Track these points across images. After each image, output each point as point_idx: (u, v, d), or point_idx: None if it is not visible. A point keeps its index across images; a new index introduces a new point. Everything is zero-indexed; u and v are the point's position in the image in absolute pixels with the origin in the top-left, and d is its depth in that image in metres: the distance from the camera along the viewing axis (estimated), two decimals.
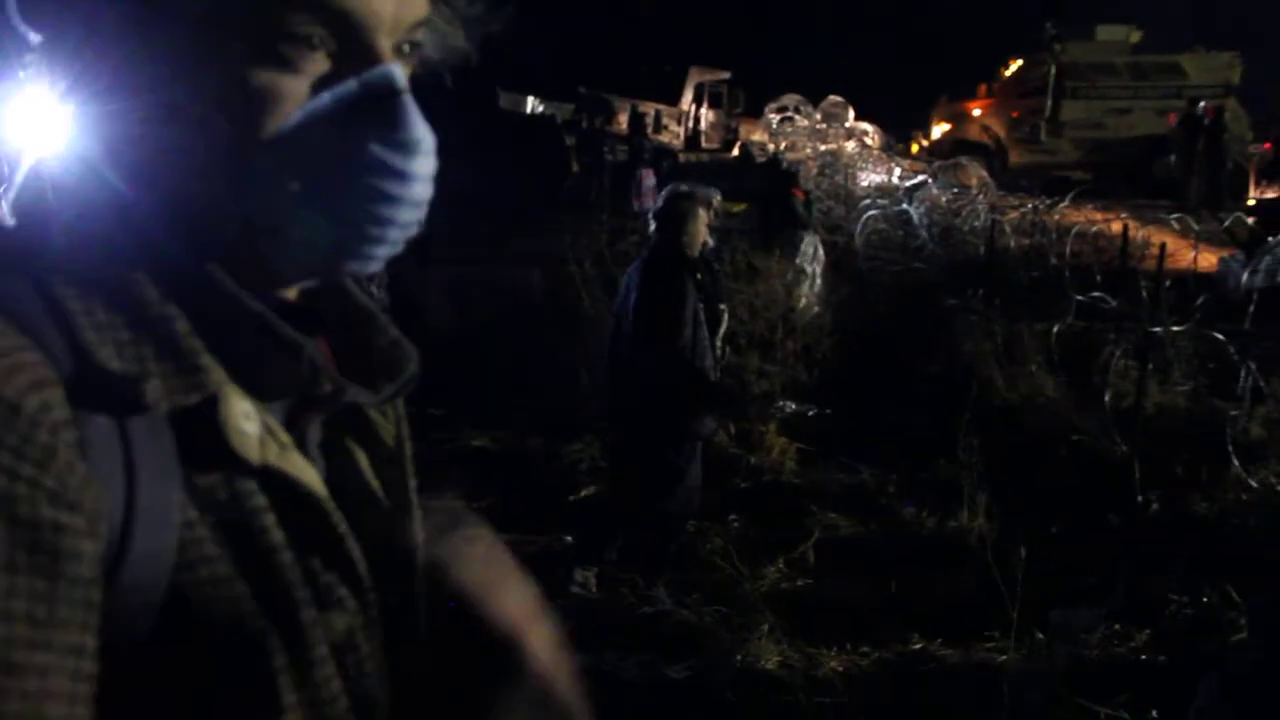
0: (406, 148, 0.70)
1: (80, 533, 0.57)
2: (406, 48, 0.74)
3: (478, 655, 0.82)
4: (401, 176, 0.69)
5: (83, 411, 0.61)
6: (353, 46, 0.69)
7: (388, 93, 0.70)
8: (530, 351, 8.83)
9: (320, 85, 0.68)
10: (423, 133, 0.71)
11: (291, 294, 0.77)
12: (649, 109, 26.78)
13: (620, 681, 4.34)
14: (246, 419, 0.68)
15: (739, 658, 4.45)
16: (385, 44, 0.71)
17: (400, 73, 0.71)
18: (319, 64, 0.68)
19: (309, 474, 0.72)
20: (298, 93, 0.68)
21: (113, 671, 0.60)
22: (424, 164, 0.71)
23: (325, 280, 0.78)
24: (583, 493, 6.46)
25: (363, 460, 0.83)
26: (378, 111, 0.69)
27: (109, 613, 0.60)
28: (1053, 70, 22.64)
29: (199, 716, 0.64)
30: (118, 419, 0.62)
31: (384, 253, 0.73)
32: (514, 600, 0.85)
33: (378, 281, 6.33)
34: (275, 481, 0.69)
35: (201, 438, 0.66)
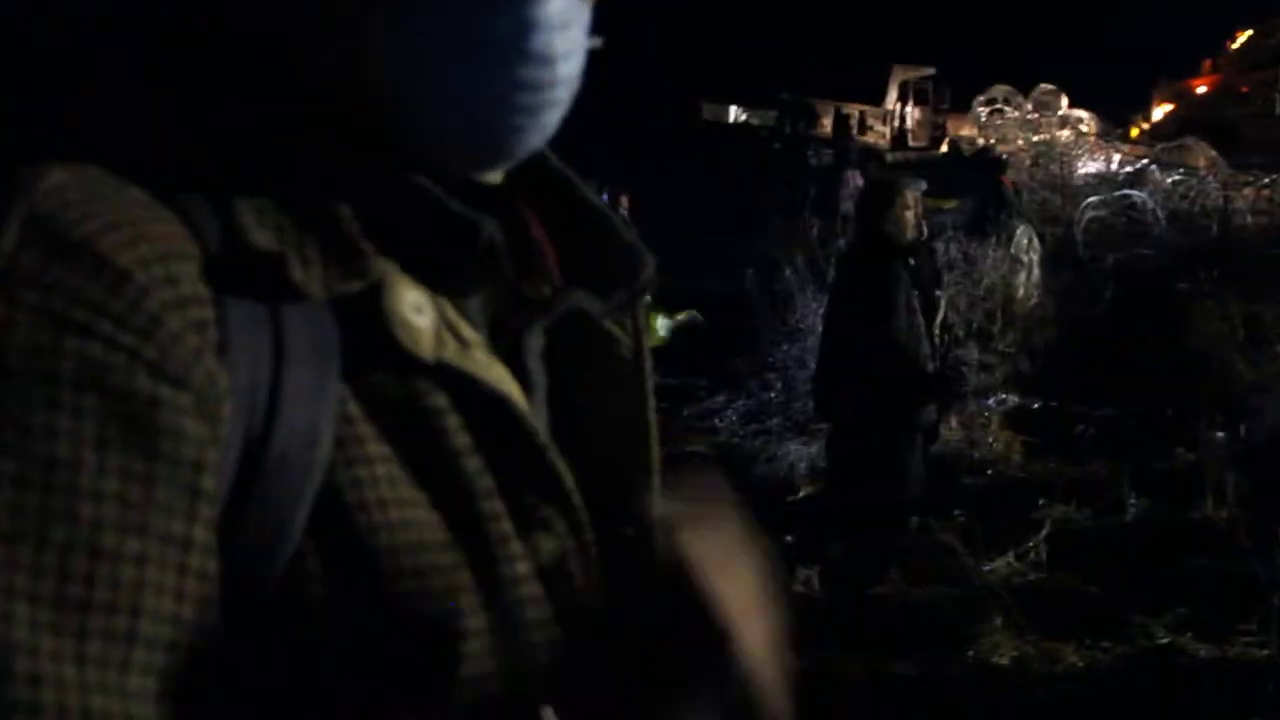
0: (535, 22, 0.62)
1: (184, 410, 0.52)
2: None
3: (679, 638, 0.67)
4: (529, 25, 0.62)
5: (228, 294, 0.56)
6: None
7: None
8: (746, 354, 8.83)
9: None
10: (556, 5, 0.63)
11: (495, 179, 0.70)
12: (853, 110, 26.46)
13: (846, 679, 4.26)
14: (417, 311, 0.62)
15: (971, 652, 4.31)
16: None
17: None
18: None
19: (494, 373, 0.65)
20: None
21: (262, 579, 0.56)
22: (553, 9, 0.63)
23: (479, 173, 0.69)
24: (802, 492, 6.39)
25: (596, 375, 0.76)
26: None
27: (255, 509, 0.56)
28: None
29: (362, 629, 0.58)
30: (270, 305, 0.57)
31: (534, 125, 0.65)
32: (739, 586, 0.69)
33: None
34: (456, 381, 0.62)
35: (368, 331, 0.60)
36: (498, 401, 0.64)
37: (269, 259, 0.57)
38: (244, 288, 0.56)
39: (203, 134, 0.60)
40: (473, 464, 0.63)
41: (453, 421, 0.62)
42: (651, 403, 0.79)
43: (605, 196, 9.79)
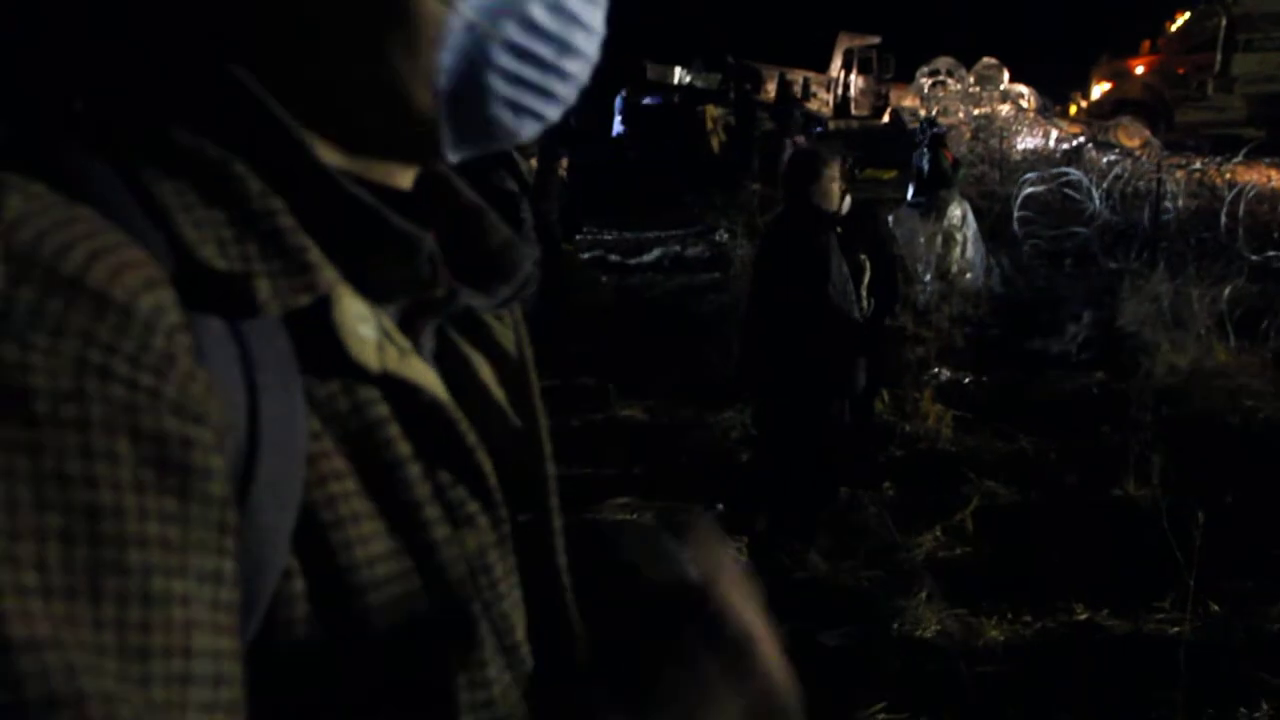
0: (563, 6, 0.65)
1: (208, 447, 0.52)
2: None
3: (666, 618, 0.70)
4: (577, 21, 0.66)
5: (194, 314, 0.54)
6: None
7: None
8: (682, 321, 8.83)
9: None
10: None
11: (404, 183, 0.71)
12: (797, 76, 26.45)
13: None
14: (363, 322, 0.62)
15: (896, 625, 4.37)
16: None
17: None
18: None
19: (431, 379, 0.66)
20: None
21: (256, 600, 0.56)
22: (597, 15, 0.67)
23: (485, 149, 0.70)
24: (734, 461, 6.43)
25: (483, 370, 0.78)
26: None
27: (249, 534, 0.55)
28: (1223, 22, 21.59)
29: (335, 648, 0.59)
30: (230, 323, 0.56)
31: (552, 111, 0.68)
32: (748, 600, 0.72)
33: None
34: (397, 389, 0.64)
35: (316, 343, 0.60)
36: (435, 407, 0.66)
37: (230, 279, 0.56)
38: (206, 308, 0.55)
39: (130, 137, 0.58)
40: (414, 471, 0.64)
41: (394, 430, 0.63)
42: (538, 394, 0.81)
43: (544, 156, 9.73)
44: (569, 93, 0.68)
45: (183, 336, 0.52)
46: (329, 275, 0.60)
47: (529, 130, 0.69)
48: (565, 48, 0.66)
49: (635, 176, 18.17)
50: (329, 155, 0.64)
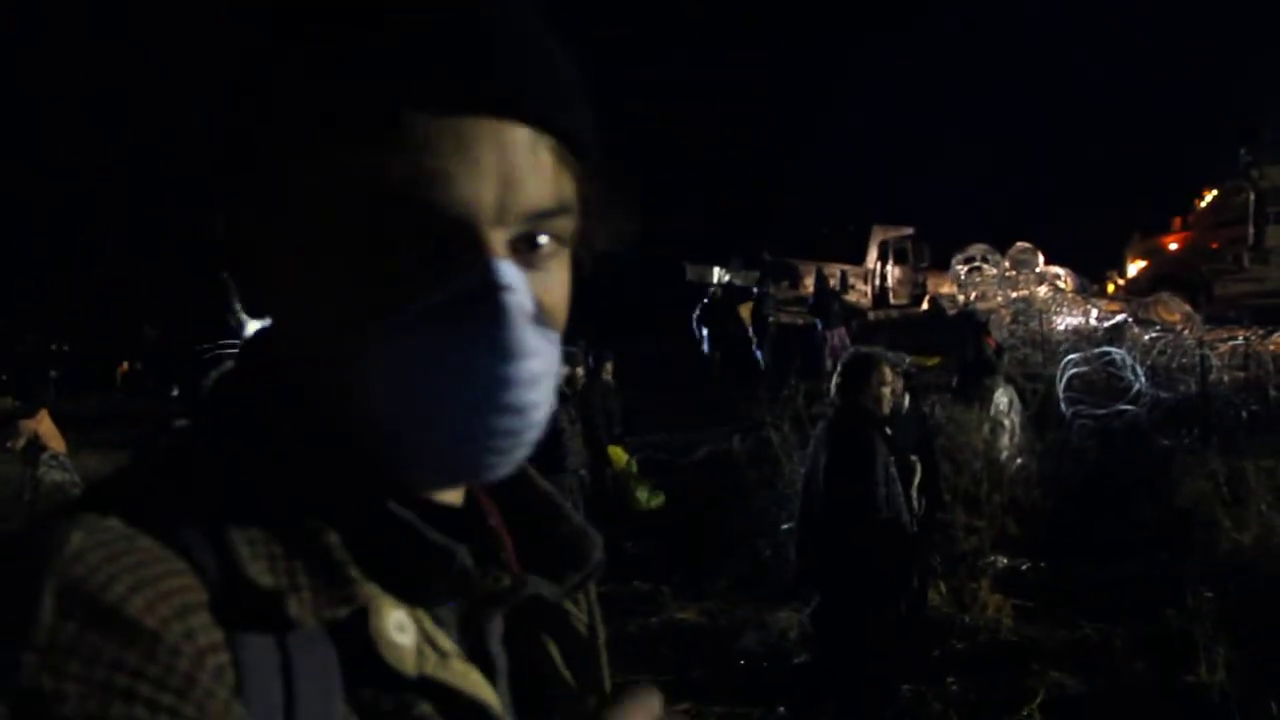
0: (505, 352, 0.67)
1: None
2: (544, 239, 0.71)
3: None
4: (503, 383, 0.67)
5: (235, 631, 0.60)
6: (453, 243, 0.66)
7: (483, 292, 0.66)
8: (734, 520, 8.82)
9: (421, 284, 0.66)
10: (523, 334, 0.67)
11: (453, 495, 0.77)
12: (834, 270, 26.83)
13: None
14: (400, 630, 0.67)
15: None
16: (494, 237, 0.67)
17: (504, 268, 0.67)
18: (422, 263, 0.66)
19: (471, 681, 0.70)
20: (399, 294, 0.66)
21: None
22: (525, 368, 0.68)
23: (459, 485, 0.76)
24: (794, 661, 6.34)
25: (554, 652, 0.82)
26: (475, 312, 0.66)
27: None
28: (1252, 197, 21.91)
29: None
30: (275, 635, 0.62)
31: (506, 460, 0.71)
32: None
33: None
34: (440, 692, 0.68)
35: (359, 649, 0.65)
36: (475, 708, 0.70)
37: (266, 595, 0.63)
38: (248, 623, 0.62)
39: (198, 470, 0.67)
40: None
41: None
42: (606, 671, 0.84)
43: (591, 361, 9.94)
44: (529, 423, 0.71)
45: (213, 657, 0.59)
46: (368, 589, 0.67)
47: (501, 474, 0.73)
48: (522, 418, 0.69)
49: (684, 375, 18.45)
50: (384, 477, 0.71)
